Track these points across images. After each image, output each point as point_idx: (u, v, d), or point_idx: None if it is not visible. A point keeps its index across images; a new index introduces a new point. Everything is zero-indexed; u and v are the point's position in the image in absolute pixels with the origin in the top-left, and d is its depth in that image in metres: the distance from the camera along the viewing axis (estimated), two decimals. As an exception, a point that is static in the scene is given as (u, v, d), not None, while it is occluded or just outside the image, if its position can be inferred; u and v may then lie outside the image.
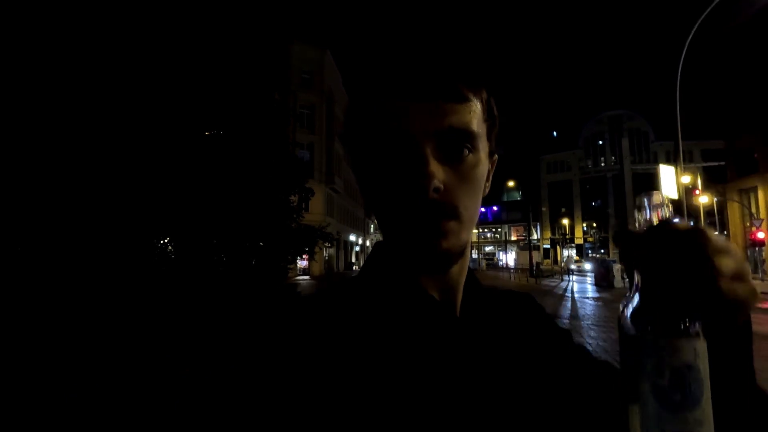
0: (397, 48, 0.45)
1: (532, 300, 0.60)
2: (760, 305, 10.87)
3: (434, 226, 0.42)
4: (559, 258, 50.72)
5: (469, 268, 0.51)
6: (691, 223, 0.36)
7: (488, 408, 0.42)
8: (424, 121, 0.41)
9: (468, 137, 0.43)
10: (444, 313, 0.46)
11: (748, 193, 26.77)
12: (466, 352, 0.44)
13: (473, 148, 0.44)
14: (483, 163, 0.46)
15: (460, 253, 0.46)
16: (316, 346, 0.38)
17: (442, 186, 0.41)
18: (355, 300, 0.45)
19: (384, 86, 0.43)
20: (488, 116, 0.47)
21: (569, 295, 16.54)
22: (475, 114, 0.44)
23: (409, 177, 0.41)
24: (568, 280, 24.75)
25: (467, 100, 0.43)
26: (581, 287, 20.19)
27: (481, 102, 0.45)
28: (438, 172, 0.41)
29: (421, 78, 0.42)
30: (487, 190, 0.49)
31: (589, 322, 9.26)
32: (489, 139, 0.48)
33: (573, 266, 32.99)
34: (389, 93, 0.42)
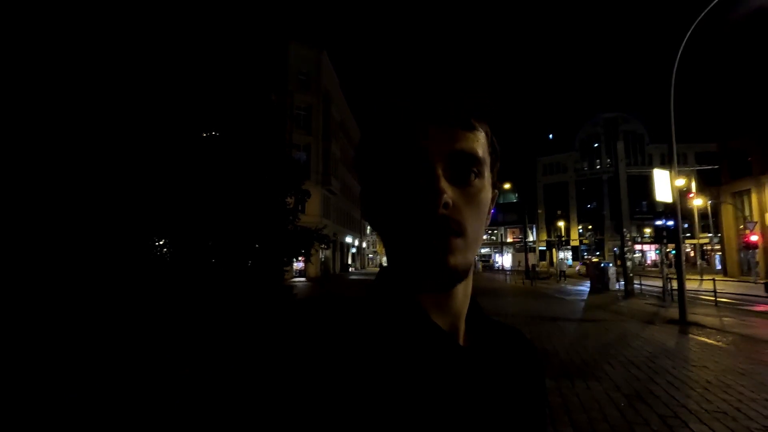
0: (424, 76, 0.49)
1: (534, 354, 0.61)
2: (756, 308, 10.81)
3: (442, 242, 0.44)
4: (555, 260, 50.86)
5: (472, 296, 0.54)
6: None
7: None
8: (438, 143, 0.45)
9: (475, 162, 0.47)
10: (448, 342, 0.47)
11: (741, 195, 26.97)
12: (470, 383, 0.46)
13: (479, 174, 0.48)
14: (487, 190, 0.50)
15: (465, 272, 0.47)
16: (319, 374, 0.39)
17: (451, 202, 0.44)
18: (360, 327, 0.45)
19: (410, 108, 0.47)
20: (492, 150, 0.51)
21: (565, 297, 16.62)
22: (481, 144, 0.48)
23: (420, 191, 0.44)
24: (564, 281, 24.95)
25: (476, 129, 0.48)
26: (577, 290, 20.28)
27: (486, 136, 0.50)
28: (448, 190, 0.44)
29: (442, 106, 0.46)
30: (487, 222, 0.52)
31: (586, 324, 9.33)
32: (492, 171, 0.52)
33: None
34: (413, 114, 0.46)
